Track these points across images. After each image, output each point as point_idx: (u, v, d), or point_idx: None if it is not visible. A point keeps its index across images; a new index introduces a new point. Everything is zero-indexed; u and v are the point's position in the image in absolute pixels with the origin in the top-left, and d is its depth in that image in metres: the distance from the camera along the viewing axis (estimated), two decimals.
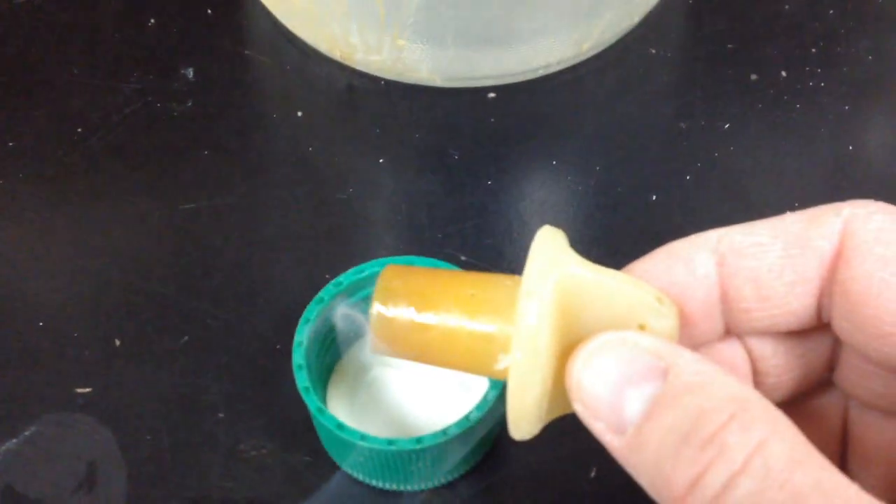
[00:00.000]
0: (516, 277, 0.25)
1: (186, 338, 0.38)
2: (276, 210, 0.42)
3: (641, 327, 0.24)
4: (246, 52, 0.47)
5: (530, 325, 0.23)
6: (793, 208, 0.26)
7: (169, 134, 0.44)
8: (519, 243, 0.41)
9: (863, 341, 0.25)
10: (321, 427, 0.33)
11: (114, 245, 0.41)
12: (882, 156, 0.44)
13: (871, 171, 0.43)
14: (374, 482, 0.34)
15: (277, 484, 0.35)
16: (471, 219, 0.41)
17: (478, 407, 0.32)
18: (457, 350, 0.25)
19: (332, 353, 0.36)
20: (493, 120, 0.45)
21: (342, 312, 0.34)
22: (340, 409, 0.35)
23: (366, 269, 0.35)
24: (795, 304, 0.25)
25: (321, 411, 0.32)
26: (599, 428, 0.23)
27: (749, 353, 0.28)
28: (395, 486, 0.34)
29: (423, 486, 0.34)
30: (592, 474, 0.35)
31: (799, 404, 0.29)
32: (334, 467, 0.35)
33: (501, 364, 0.25)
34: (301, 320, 0.34)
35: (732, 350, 0.28)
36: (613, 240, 0.41)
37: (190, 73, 0.46)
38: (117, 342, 0.38)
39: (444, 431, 0.32)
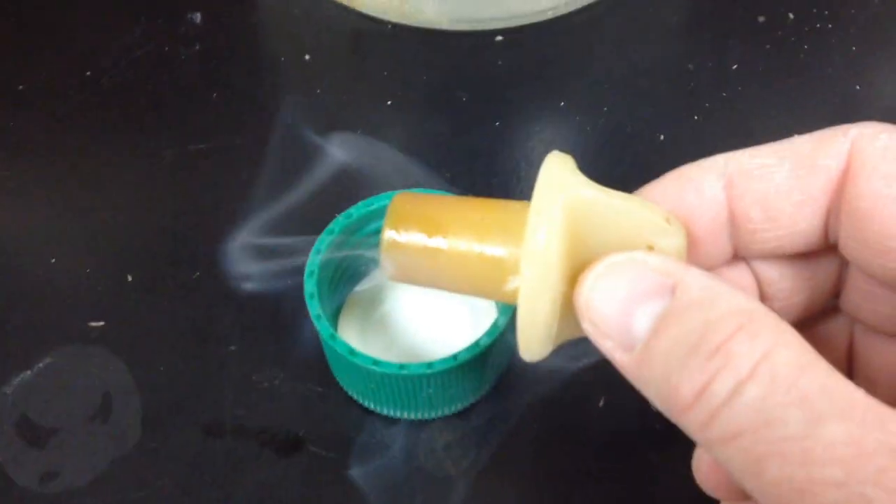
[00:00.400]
0: (525, 202, 0.25)
1: (198, 272, 0.38)
2: (283, 150, 0.42)
3: (650, 247, 0.24)
4: None
5: (539, 243, 0.23)
6: None
7: (177, 76, 0.44)
8: (526, 182, 0.41)
9: (869, 258, 0.25)
10: (333, 354, 0.34)
11: (125, 183, 0.41)
12: (888, 95, 0.44)
13: (877, 110, 0.43)
14: (384, 410, 0.35)
15: (289, 412, 0.35)
16: (479, 159, 0.42)
17: (487, 333, 0.32)
18: (467, 273, 0.25)
19: (342, 285, 0.36)
20: (500, 62, 0.45)
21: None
22: (351, 340, 0.36)
23: (374, 202, 0.35)
24: (803, 224, 0.26)
25: (333, 337, 0.32)
26: (609, 346, 0.23)
27: (756, 276, 0.28)
28: (405, 415, 0.35)
29: (433, 415, 0.35)
30: (601, 403, 0.35)
31: (805, 329, 0.29)
32: (345, 396, 0.36)
33: (511, 285, 0.25)
34: (312, 251, 0.34)
35: (740, 274, 0.28)
36: (622, 179, 0.40)
37: (197, 17, 0.46)
38: (129, 277, 0.38)
39: (454, 357, 0.32)
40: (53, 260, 0.39)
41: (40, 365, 0.36)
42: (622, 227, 0.25)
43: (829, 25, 0.46)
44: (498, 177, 0.41)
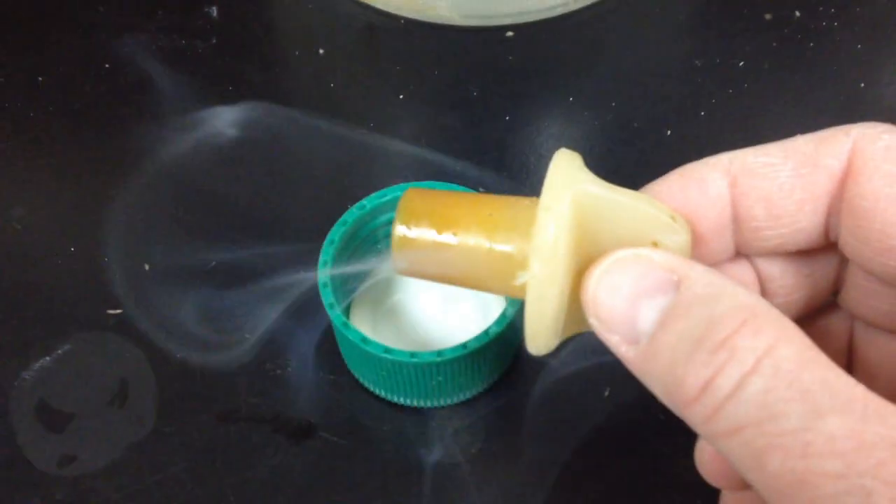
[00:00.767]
0: (533, 199, 0.26)
1: (213, 262, 0.39)
2: (297, 143, 0.43)
3: (655, 244, 0.25)
4: None
5: (548, 239, 0.24)
6: None
7: (194, 70, 0.45)
8: (535, 176, 0.42)
9: (869, 256, 0.26)
10: (345, 342, 0.34)
11: (142, 174, 0.42)
12: (892, 93, 0.44)
13: (882, 107, 0.44)
14: (395, 398, 0.36)
15: (301, 400, 0.36)
16: (489, 152, 0.42)
17: (496, 323, 0.33)
18: (476, 268, 0.26)
19: (354, 276, 0.37)
20: (511, 58, 0.45)
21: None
22: (363, 329, 0.36)
23: (387, 193, 0.36)
24: (805, 222, 0.26)
25: (346, 325, 0.33)
26: (614, 341, 0.24)
27: (758, 273, 0.28)
28: (415, 402, 0.35)
29: (442, 403, 0.36)
30: (606, 394, 0.36)
31: (806, 325, 0.30)
32: (357, 384, 0.36)
33: (520, 280, 0.25)
34: (325, 241, 0.35)
35: (742, 270, 0.28)
36: (629, 173, 0.41)
37: (213, 11, 0.47)
38: (146, 266, 0.39)
39: (463, 345, 0.33)
40: (72, 249, 0.40)
41: (59, 351, 0.37)
42: (628, 224, 0.25)
43: (835, 24, 0.46)
44: (508, 170, 0.42)
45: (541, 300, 0.24)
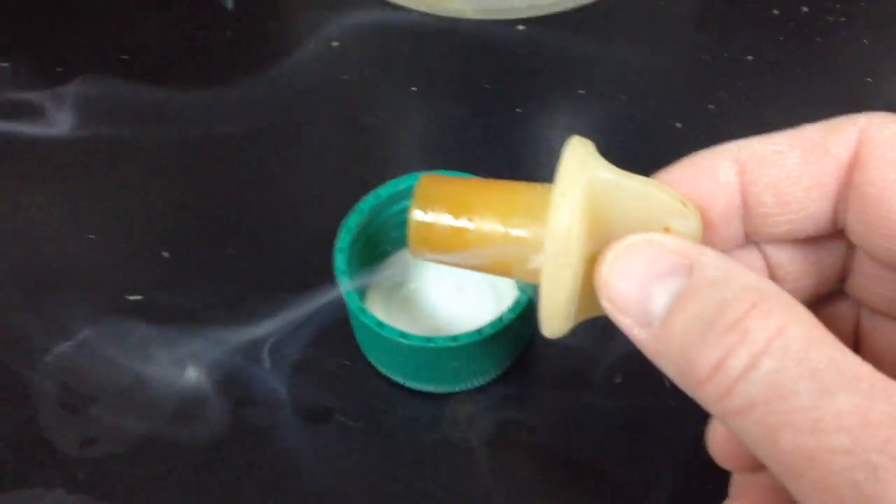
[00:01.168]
0: (547, 185, 0.26)
1: (230, 250, 0.40)
2: (312, 133, 0.44)
3: (666, 229, 0.25)
4: None
5: (562, 223, 0.24)
6: None
7: (209, 61, 0.46)
8: (547, 167, 0.42)
9: (875, 242, 0.26)
10: (361, 328, 0.35)
11: (159, 164, 0.43)
12: None
13: (887, 101, 0.44)
14: (410, 383, 0.36)
15: (318, 385, 0.37)
16: (500, 143, 0.43)
17: (511, 309, 0.34)
18: (491, 252, 0.26)
19: (368, 265, 0.38)
20: (522, 51, 0.46)
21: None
22: (378, 315, 0.37)
23: (403, 182, 0.36)
24: (812, 209, 0.26)
25: (362, 311, 0.34)
26: (627, 323, 0.24)
27: (766, 260, 0.29)
28: (431, 388, 0.36)
29: (457, 388, 0.36)
30: (618, 380, 0.37)
31: (813, 311, 0.30)
32: (372, 370, 0.37)
33: (534, 263, 0.26)
34: (342, 228, 0.35)
35: (751, 257, 0.29)
36: (638, 164, 0.42)
37: (228, 3, 0.47)
38: (165, 254, 0.40)
39: (478, 331, 0.33)
40: (93, 236, 0.40)
41: (80, 336, 0.38)
42: (640, 210, 0.26)
43: (842, 19, 0.47)
44: (519, 160, 0.43)
45: (555, 283, 0.25)
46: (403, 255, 0.39)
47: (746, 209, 0.27)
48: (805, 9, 0.47)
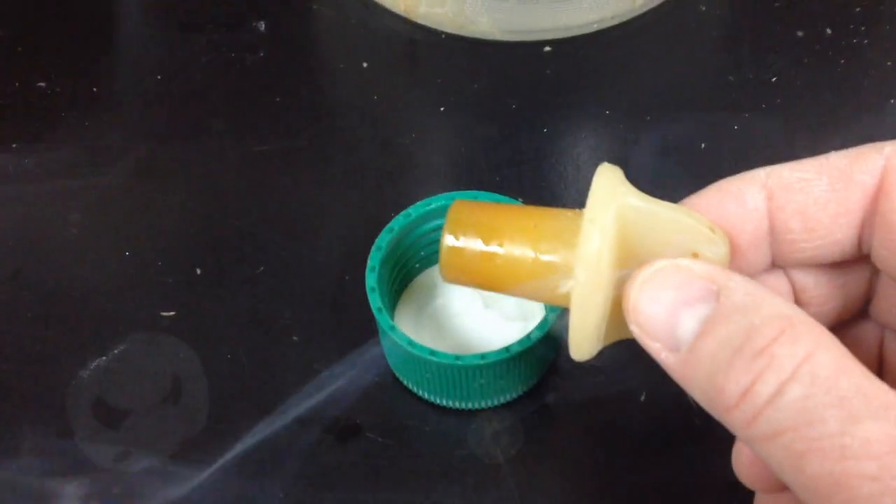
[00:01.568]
0: (577, 210, 0.26)
1: (262, 267, 0.41)
2: (342, 153, 0.44)
3: (695, 255, 0.26)
4: (314, 6, 0.49)
5: (593, 249, 0.25)
6: None
7: (242, 82, 0.47)
8: (573, 186, 0.43)
9: None
10: (391, 345, 0.36)
11: (194, 182, 0.44)
12: None
13: None
14: (438, 400, 0.37)
15: (347, 401, 0.37)
16: (527, 163, 0.44)
17: (538, 328, 0.34)
18: (522, 277, 0.27)
19: (397, 284, 0.39)
20: (548, 72, 0.47)
21: None
22: (406, 332, 0.38)
23: (433, 202, 0.37)
24: (839, 235, 0.27)
25: (393, 329, 0.34)
26: (655, 347, 0.24)
27: (792, 284, 0.29)
28: (458, 404, 0.37)
29: (483, 405, 0.37)
30: (642, 398, 0.37)
31: (838, 334, 0.30)
32: (401, 386, 0.38)
33: (563, 289, 0.26)
34: (373, 248, 0.36)
35: (777, 281, 0.29)
36: (664, 185, 0.42)
37: (262, 25, 0.48)
38: (198, 270, 0.41)
39: (506, 349, 0.34)
40: (128, 253, 0.41)
41: (115, 351, 0.39)
42: (669, 235, 0.26)
43: (866, 41, 0.47)
44: (545, 181, 0.43)
45: (585, 308, 0.25)
46: (433, 274, 0.39)
47: (774, 235, 0.27)
48: (829, 31, 0.48)
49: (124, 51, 0.48)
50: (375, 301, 0.35)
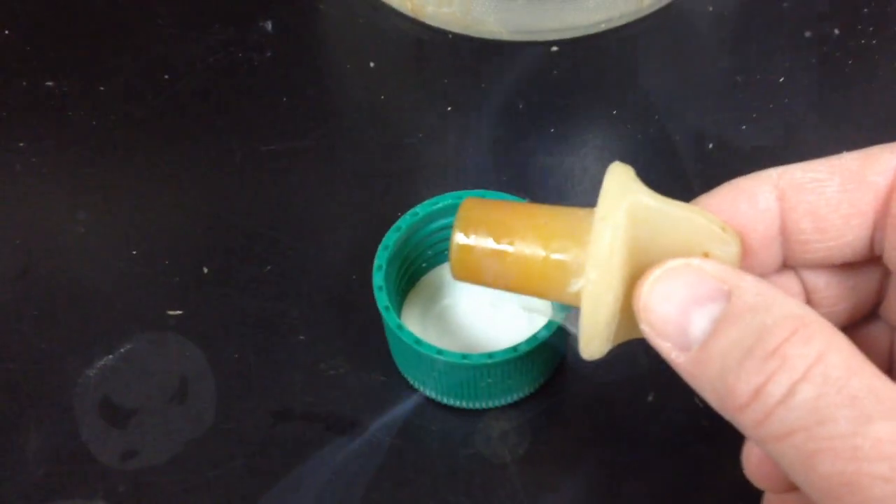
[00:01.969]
0: (588, 209, 0.26)
1: (269, 266, 0.41)
2: (349, 152, 0.44)
3: (706, 254, 0.26)
4: (321, 6, 0.49)
5: (604, 247, 0.25)
6: None
7: (249, 81, 0.47)
8: (580, 186, 0.43)
9: None
10: (398, 344, 0.36)
11: (201, 182, 0.44)
12: None
13: None
14: (445, 399, 0.37)
15: (354, 399, 0.37)
16: (534, 163, 0.44)
17: (545, 327, 0.34)
18: (532, 275, 0.27)
19: (403, 283, 0.38)
20: (556, 72, 0.47)
21: None
22: (413, 331, 0.38)
23: (440, 201, 0.37)
24: (850, 236, 0.27)
25: (400, 328, 0.34)
26: (666, 347, 0.24)
27: (804, 284, 0.29)
28: (465, 404, 0.37)
29: (490, 405, 0.37)
30: (650, 398, 0.37)
31: (848, 334, 0.30)
32: (407, 385, 0.38)
33: (574, 287, 0.26)
34: (380, 247, 0.36)
35: (788, 281, 0.29)
36: (671, 185, 0.42)
37: (269, 25, 0.48)
38: (205, 270, 0.41)
39: (514, 348, 0.34)
40: (135, 252, 0.41)
41: (122, 350, 0.39)
42: (680, 235, 0.26)
43: (874, 41, 0.47)
44: (553, 180, 0.43)
45: (596, 307, 0.25)
46: (440, 273, 0.39)
47: (785, 235, 0.27)
48: (837, 32, 0.47)
49: (132, 50, 0.48)
50: (382, 300, 0.35)
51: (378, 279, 0.35)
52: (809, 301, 0.29)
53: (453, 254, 0.27)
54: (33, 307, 0.40)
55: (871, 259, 0.28)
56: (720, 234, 0.26)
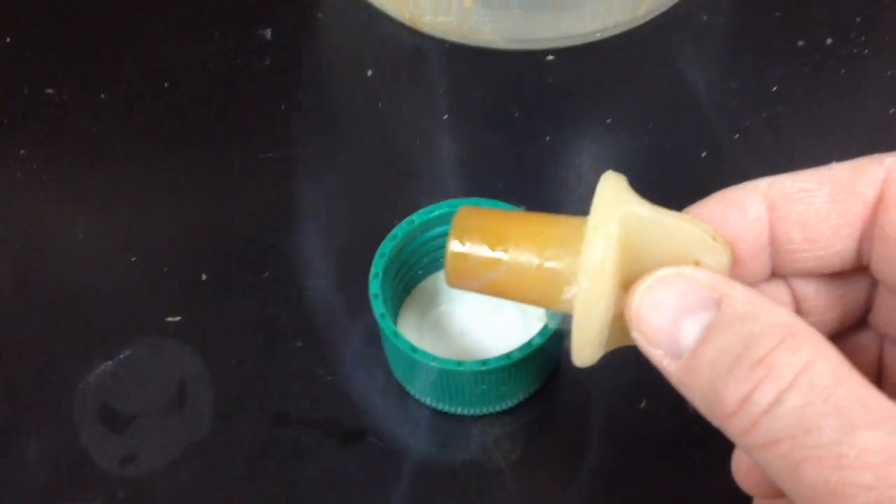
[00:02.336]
0: (581, 218, 0.27)
1: (267, 273, 0.41)
2: (346, 160, 0.45)
3: (697, 263, 0.26)
4: (319, 14, 0.50)
5: (597, 256, 0.25)
6: None
7: (249, 89, 0.47)
8: (575, 194, 0.43)
9: None
10: (394, 351, 0.36)
11: (200, 188, 0.44)
12: None
13: None
14: (440, 405, 0.37)
15: (350, 405, 0.38)
16: (530, 171, 0.44)
17: (539, 334, 0.35)
18: (526, 283, 0.27)
19: (400, 290, 0.39)
20: (551, 80, 0.47)
21: None
22: (408, 338, 0.38)
23: (436, 209, 0.37)
24: (839, 246, 0.27)
25: (396, 335, 0.35)
26: (657, 354, 0.25)
27: (793, 293, 0.29)
28: (460, 410, 0.37)
29: (485, 411, 0.37)
30: (642, 405, 0.38)
31: (837, 342, 0.31)
32: (403, 391, 0.38)
33: (567, 295, 0.26)
34: (377, 255, 0.37)
35: (778, 290, 0.29)
36: (665, 193, 0.43)
37: (268, 33, 0.49)
38: (204, 276, 0.41)
39: (507, 355, 0.34)
40: (134, 259, 0.42)
41: (121, 356, 0.39)
42: (672, 244, 0.26)
43: (866, 51, 0.48)
44: (548, 187, 0.44)
45: (588, 315, 0.25)
46: (435, 280, 0.40)
47: (775, 245, 0.28)
48: (830, 40, 0.48)
49: (131, 58, 0.48)
50: (379, 307, 0.35)
51: (374, 287, 0.36)
52: (799, 310, 0.29)
53: (448, 261, 0.28)
54: (33, 313, 0.41)
55: (859, 268, 0.28)
56: (711, 243, 0.26)
